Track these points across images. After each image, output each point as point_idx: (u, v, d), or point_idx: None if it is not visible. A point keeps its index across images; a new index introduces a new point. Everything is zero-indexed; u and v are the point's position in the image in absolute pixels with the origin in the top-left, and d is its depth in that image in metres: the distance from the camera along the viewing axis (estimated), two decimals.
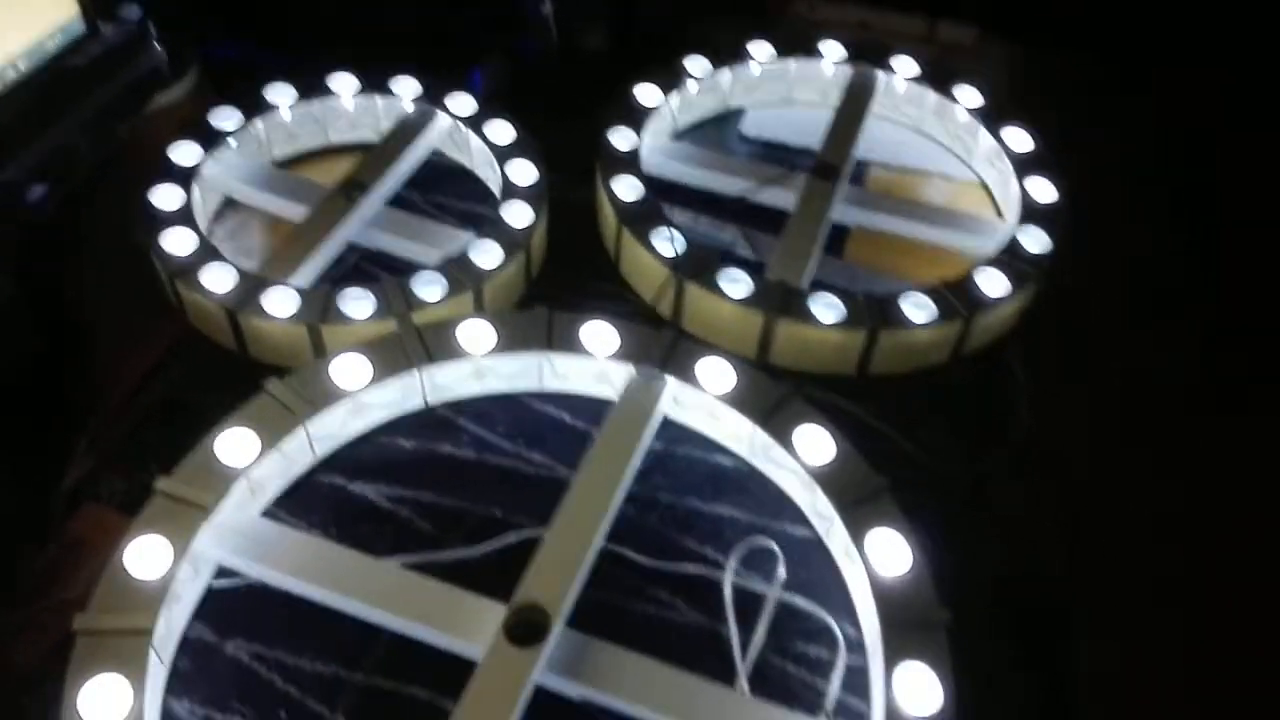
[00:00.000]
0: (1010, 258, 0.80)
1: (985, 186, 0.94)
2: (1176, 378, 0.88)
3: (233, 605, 0.62)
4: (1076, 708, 0.71)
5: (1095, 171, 0.94)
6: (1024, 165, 0.88)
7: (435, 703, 0.59)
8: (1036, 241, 0.81)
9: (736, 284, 0.77)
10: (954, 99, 0.94)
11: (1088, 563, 0.75)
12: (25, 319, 0.73)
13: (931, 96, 0.96)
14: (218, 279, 0.75)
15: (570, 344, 0.72)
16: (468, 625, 0.59)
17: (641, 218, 0.82)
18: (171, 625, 0.60)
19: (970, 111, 0.93)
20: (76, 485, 0.68)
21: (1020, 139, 0.90)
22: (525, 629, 0.58)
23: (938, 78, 0.97)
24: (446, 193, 0.91)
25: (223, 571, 0.63)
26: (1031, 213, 0.84)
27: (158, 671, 0.57)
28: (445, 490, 0.69)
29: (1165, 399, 0.86)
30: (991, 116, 0.93)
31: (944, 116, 0.96)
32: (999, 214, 0.90)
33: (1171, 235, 1.00)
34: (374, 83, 0.92)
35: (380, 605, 0.60)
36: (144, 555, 0.59)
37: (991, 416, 0.81)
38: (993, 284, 0.77)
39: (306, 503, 0.68)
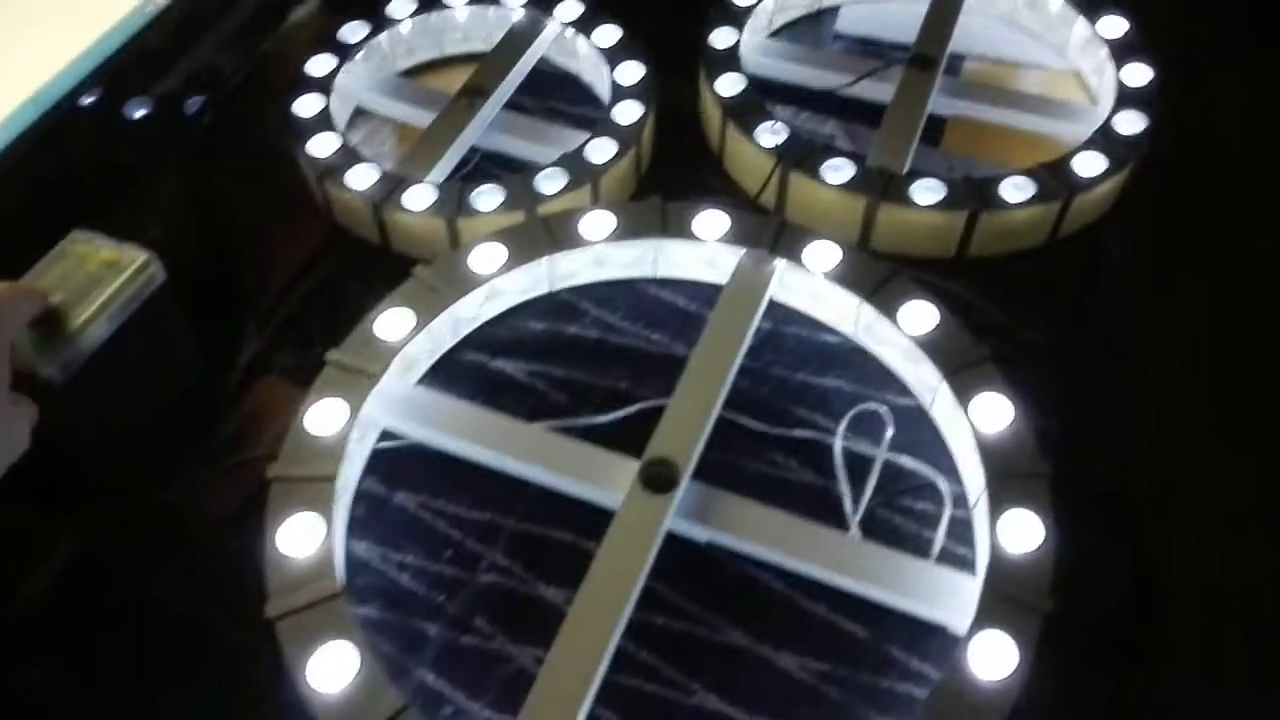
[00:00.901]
0: (1105, 139, 0.82)
1: (1079, 75, 0.96)
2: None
3: (397, 463, 0.70)
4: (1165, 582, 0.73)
5: (1188, 50, 0.94)
6: (1118, 51, 0.89)
7: (579, 545, 0.66)
8: (1131, 123, 0.83)
9: (838, 171, 0.81)
10: None
11: (1179, 452, 0.77)
12: (196, 217, 0.80)
13: None
14: (361, 178, 0.81)
15: (683, 231, 0.78)
16: (606, 477, 0.66)
17: (744, 112, 0.86)
18: (347, 479, 0.67)
19: (1064, 1, 0.95)
20: (251, 362, 0.76)
21: (1114, 25, 0.91)
22: (658, 479, 0.64)
23: None
24: (558, 97, 0.96)
25: (384, 436, 0.71)
26: (1126, 96, 0.86)
27: (340, 515, 0.66)
28: (574, 366, 0.76)
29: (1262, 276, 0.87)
30: (1085, 4, 0.94)
31: (1036, 8, 0.98)
32: (1093, 101, 0.92)
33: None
34: None
35: (529, 461, 0.67)
36: (322, 416, 0.66)
37: (1089, 296, 0.84)
38: (1090, 165, 0.80)
39: (453, 376, 0.75)
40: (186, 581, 0.66)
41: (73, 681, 0.62)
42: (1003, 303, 0.79)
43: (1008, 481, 0.64)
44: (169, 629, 0.64)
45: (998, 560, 0.61)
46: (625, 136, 0.85)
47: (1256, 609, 0.72)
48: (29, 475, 0.60)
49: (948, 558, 0.66)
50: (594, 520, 0.64)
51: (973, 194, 0.79)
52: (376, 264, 0.82)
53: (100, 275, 0.62)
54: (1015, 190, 0.79)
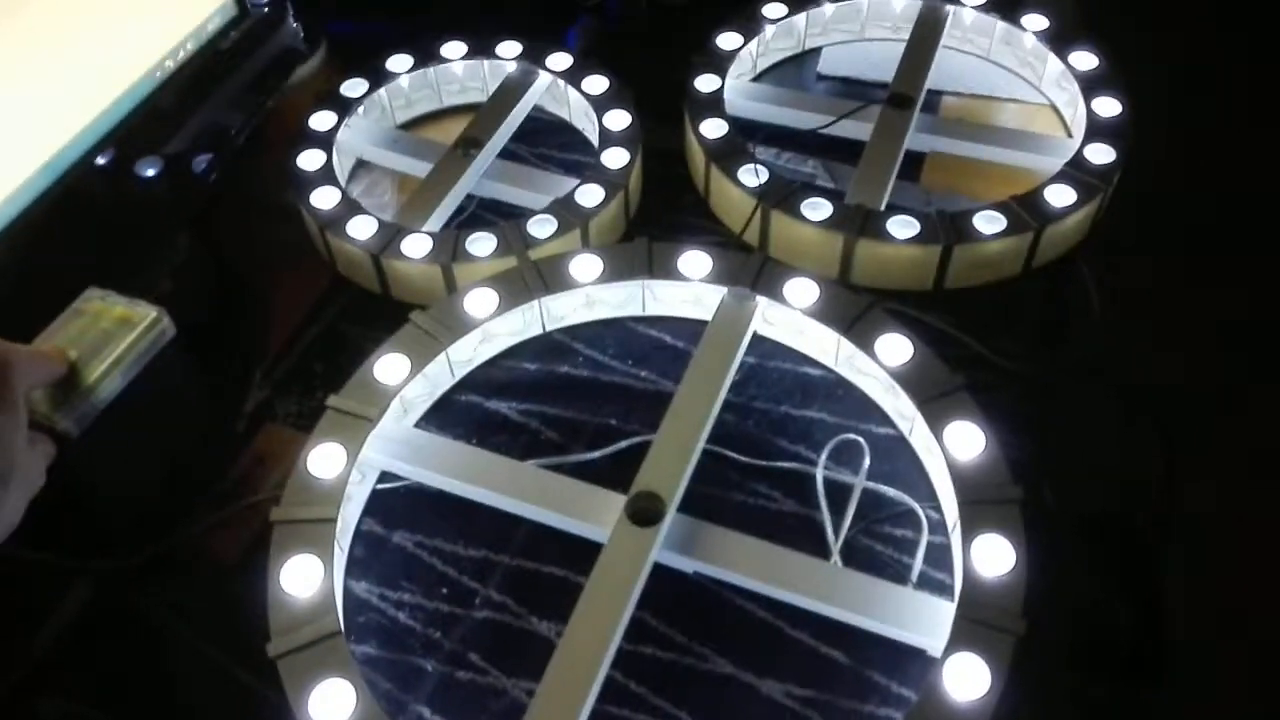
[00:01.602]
0: (1076, 170, 0.85)
1: (1055, 108, 0.98)
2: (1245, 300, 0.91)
3: (395, 503, 0.73)
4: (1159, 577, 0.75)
5: (1161, 81, 0.97)
6: (1090, 84, 0.92)
7: (570, 578, 0.68)
8: (1102, 154, 0.86)
9: (817, 209, 0.84)
10: (1021, 26, 0.99)
11: (1157, 474, 0.79)
12: (204, 271, 0.84)
13: (999, 25, 1.00)
14: (361, 229, 0.85)
15: (668, 271, 0.81)
16: (595, 512, 0.68)
17: (727, 154, 0.89)
18: (346, 520, 0.71)
19: (1037, 36, 0.98)
20: (256, 409, 0.80)
21: (1086, 60, 0.94)
22: (644, 513, 0.67)
23: (1004, 5, 1.01)
24: (549, 144, 1.00)
25: (383, 477, 0.74)
26: (1097, 128, 0.89)
27: (339, 557, 0.69)
28: (566, 404, 0.79)
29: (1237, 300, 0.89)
30: (1058, 40, 0.97)
31: (1012, 43, 1.01)
32: (1069, 134, 0.95)
33: (1242, 136, 1.02)
34: (480, 47, 1.01)
35: (520, 498, 0.70)
36: (323, 459, 0.70)
37: (1064, 324, 0.86)
38: (1060, 196, 0.83)
39: (449, 418, 0.78)
40: (197, 622, 0.69)
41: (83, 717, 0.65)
42: (980, 332, 0.82)
43: (980, 507, 0.66)
44: (181, 668, 0.68)
45: (970, 584, 0.63)
46: (613, 181, 0.88)
47: (1246, 630, 0.74)
48: (49, 522, 0.64)
49: (927, 583, 0.68)
50: (585, 554, 0.67)
51: (947, 228, 0.81)
52: (378, 311, 0.85)
53: (113, 331, 0.66)
54: (987, 223, 0.81)
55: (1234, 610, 0.76)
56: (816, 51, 1.07)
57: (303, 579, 0.64)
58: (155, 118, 0.85)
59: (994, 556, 0.64)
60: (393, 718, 0.61)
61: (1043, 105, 0.99)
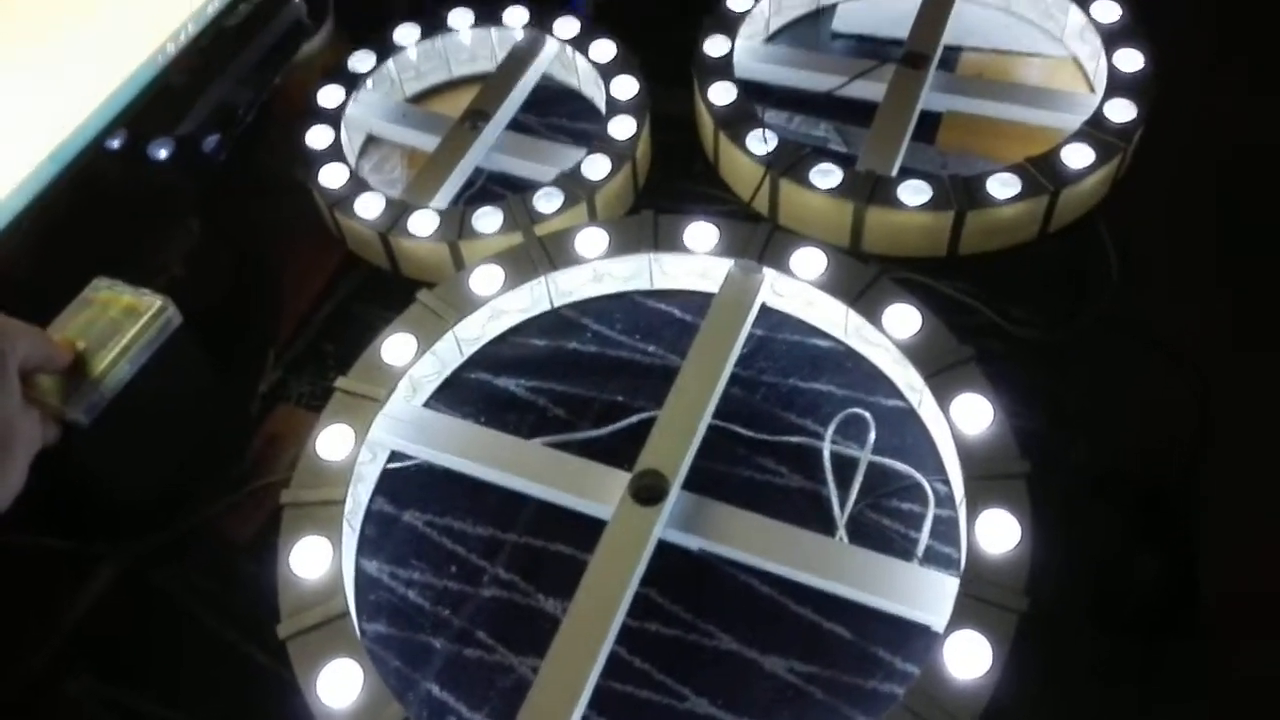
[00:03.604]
0: (1095, 129, 0.82)
1: (1078, 62, 0.95)
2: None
3: (406, 483, 0.74)
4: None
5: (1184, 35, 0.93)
6: (1111, 37, 0.89)
7: (576, 556, 0.69)
8: (1122, 111, 0.83)
9: (827, 176, 0.82)
10: None
11: (1176, 446, 0.77)
12: (216, 254, 0.85)
13: None
14: (369, 207, 0.85)
15: (675, 244, 0.80)
16: (600, 490, 0.69)
17: (735, 120, 0.88)
18: (358, 500, 0.72)
19: None
20: (270, 390, 0.81)
21: (1108, 10, 0.90)
22: (647, 491, 0.67)
23: None
24: (559, 113, 0.99)
25: (394, 456, 0.75)
26: (1117, 83, 0.86)
27: (350, 537, 0.70)
28: (574, 381, 0.79)
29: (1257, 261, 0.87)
30: None
31: None
32: (1091, 89, 0.92)
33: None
34: (488, 15, 1.00)
35: (527, 477, 0.71)
36: (331, 441, 0.71)
37: (1082, 287, 0.84)
38: (1078, 156, 0.80)
39: (458, 396, 0.79)
40: (214, 603, 0.71)
41: (109, 695, 0.68)
42: (995, 299, 0.80)
43: (985, 482, 0.65)
44: (199, 649, 0.70)
45: (974, 560, 0.62)
46: (620, 152, 0.87)
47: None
48: (66, 508, 0.65)
49: (934, 558, 0.68)
50: (591, 533, 0.67)
51: (959, 193, 0.79)
52: (389, 289, 0.86)
53: (120, 321, 0.67)
54: (1002, 187, 0.79)
55: (1259, 574, 0.75)
56: (832, 9, 1.04)
57: (312, 561, 0.66)
58: (165, 99, 0.85)
59: (999, 532, 0.63)
60: (401, 695, 0.63)
61: (1065, 59, 0.96)
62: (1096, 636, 0.69)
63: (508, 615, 0.67)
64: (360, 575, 0.70)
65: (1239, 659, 0.71)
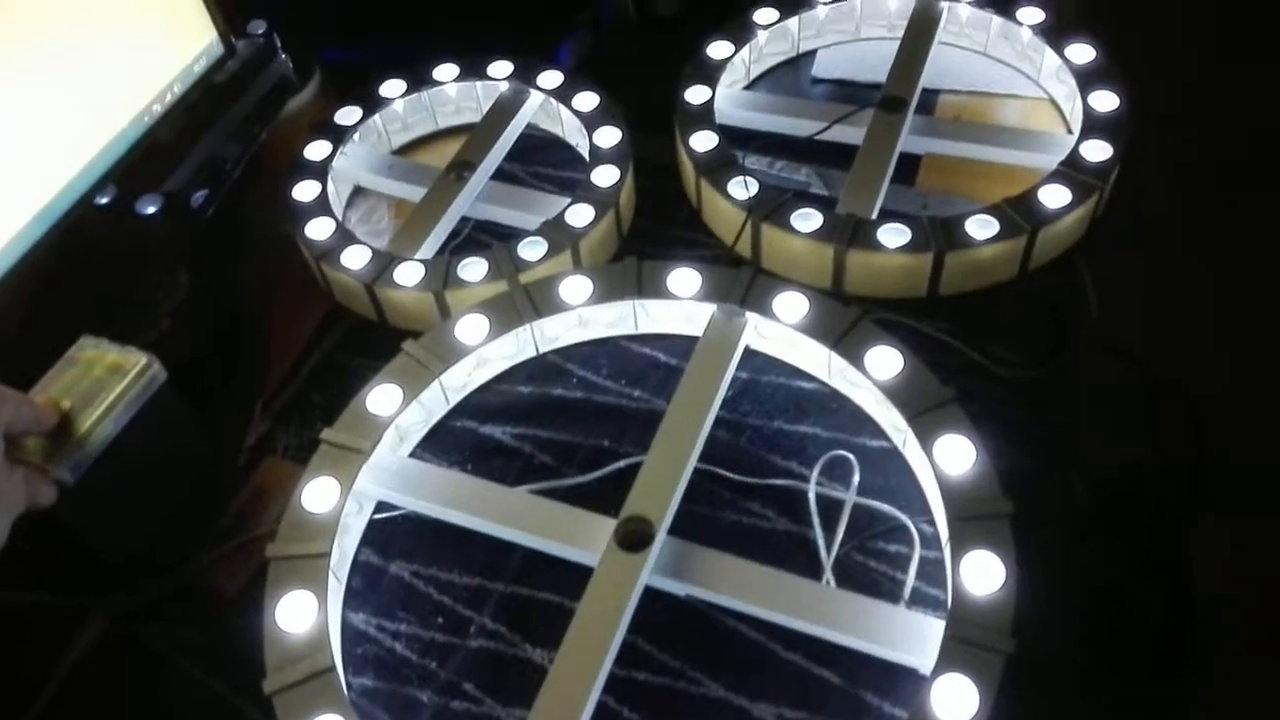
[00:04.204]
0: (1071, 169, 0.83)
1: (1054, 102, 0.97)
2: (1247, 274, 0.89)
3: (392, 533, 0.74)
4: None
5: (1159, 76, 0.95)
6: (1086, 78, 0.90)
7: (563, 604, 0.69)
8: (1098, 151, 0.84)
9: (808, 220, 0.83)
10: (1017, 20, 0.97)
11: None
12: (204, 307, 0.86)
13: (995, 19, 0.99)
14: (355, 258, 0.86)
15: (658, 289, 0.81)
16: (585, 538, 0.69)
17: (716, 167, 0.89)
18: (344, 551, 0.72)
19: (1033, 30, 0.96)
20: (256, 442, 0.81)
21: (1083, 53, 0.92)
22: (633, 538, 0.67)
23: (1000, 0, 0.99)
24: (544, 161, 1.01)
25: (381, 506, 0.75)
26: (1093, 123, 0.87)
27: (336, 589, 0.70)
28: (560, 427, 0.79)
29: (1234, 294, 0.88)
30: (1054, 33, 0.95)
31: (1009, 37, 0.99)
32: (1068, 129, 0.93)
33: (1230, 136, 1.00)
34: (472, 68, 1.02)
35: (513, 526, 0.71)
36: (317, 494, 0.71)
37: (1063, 324, 0.85)
38: (1055, 196, 0.81)
39: (445, 444, 0.79)
40: (202, 657, 0.71)
41: None
42: (976, 338, 0.80)
43: (969, 523, 0.65)
44: (187, 704, 0.69)
45: (959, 602, 0.62)
46: (603, 199, 0.88)
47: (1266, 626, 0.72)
48: (53, 564, 0.65)
49: (921, 599, 0.67)
50: (578, 580, 0.67)
51: (938, 235, 0.80)
52: (375, 340, 0.86)
53: (105, 379, 0.67)
54: (980, 228, 0.80)
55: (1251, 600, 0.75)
56: (812, 55, 1.06)
57: (297, 615, 0.66)
58: (153, 155, 0.86)
59: (983, 573, 0.63)
60: None
61: (1042, 99, 0.97)
62: (1088, 677, 0.69)
63: (495, 666, 0.67)
64: (347, 628, 0.70)
65: (1231, 698, 0.71)
